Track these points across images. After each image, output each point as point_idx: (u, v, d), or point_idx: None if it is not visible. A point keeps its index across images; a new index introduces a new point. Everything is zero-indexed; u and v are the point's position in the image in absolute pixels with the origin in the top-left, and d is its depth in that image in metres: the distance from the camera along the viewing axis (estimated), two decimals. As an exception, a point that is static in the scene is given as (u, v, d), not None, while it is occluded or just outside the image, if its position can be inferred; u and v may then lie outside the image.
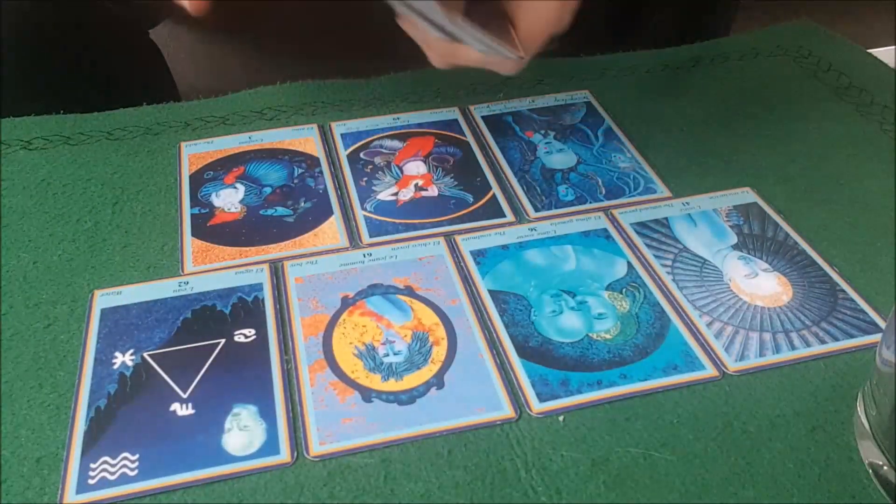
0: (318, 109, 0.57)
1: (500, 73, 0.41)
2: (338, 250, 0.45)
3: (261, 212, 0.48)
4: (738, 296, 0.43)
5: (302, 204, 0.49)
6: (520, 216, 0.48)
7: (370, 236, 0.46)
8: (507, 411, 0.37)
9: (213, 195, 0.49)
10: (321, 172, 0.51)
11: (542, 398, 0.37)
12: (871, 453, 0.35)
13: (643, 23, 0.74)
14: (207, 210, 0.48)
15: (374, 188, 0.50)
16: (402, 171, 0.51)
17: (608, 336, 0.40)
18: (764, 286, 0.43)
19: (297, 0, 0.90)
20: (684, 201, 0.49)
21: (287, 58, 0.95)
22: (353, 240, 0.46)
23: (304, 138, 0.54)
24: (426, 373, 0.39)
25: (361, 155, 0.53)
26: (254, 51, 0.98)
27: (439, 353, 0.39)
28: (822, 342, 0.40)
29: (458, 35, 0.37)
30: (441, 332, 0.41)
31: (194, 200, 0.49)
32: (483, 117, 0.56)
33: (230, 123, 0.56)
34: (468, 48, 0.38)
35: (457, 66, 0.41)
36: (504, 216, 0.48)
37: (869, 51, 0.64)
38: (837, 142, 0.54)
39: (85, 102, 0.56)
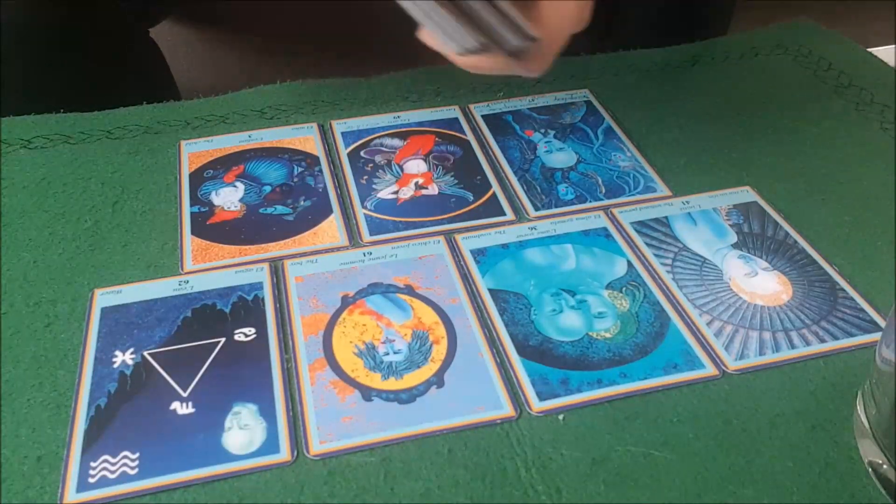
0: (317, 108, 0.57)
1: (526, 77, 0.41)
2: (338, 249, 0.45)
3: (260, 210, 0.48)
4: (738, 295, 0.43)
5: (302, 202, 0.49)
6: (520, 215, 0.48)
7: (370, 234, 0.46)
8: (507, 410, 0.37)
9: (213, 194, 0.49)
10: (321, 171, 0.51)
11: (542, 397, 0.37)
12: (870, 452, 0.35)
13: (627, 15, 0.73)
14: (207, 208, 0.48)
15: (374, 186, 0.50)
16: (402, 170, 0.51)
17: (608, 335, 0.40)
18: (764, 285, 0.43)
19: (296, 0, 0.90)
20: (684, 200, 0.49)
21: (287, 57, 0.96)
22: (353, 238, 0.46)
23: (303, 137, 0.54)
24: (426, 371, 0.39)
25: (362, 153, 0.53)
26: (254, 50, 0.99)
27: (439, 351, 0.39)
28: (822, 341, 0.40)
29: (479, 48, 0.37)
30: (441, 330, 0.41)
31: (194, 199, 0.49)
32: (483, 116, 0.56)
33: (230, 122, 0.56)
34: (491, 57, 0.38)
35: (481, 71, 0.41)
36: (504, 215, 0.48)
37: (869, 50, 0.64)
38: (837, 140, 0.54)
39: (85, 102, 0.56)
